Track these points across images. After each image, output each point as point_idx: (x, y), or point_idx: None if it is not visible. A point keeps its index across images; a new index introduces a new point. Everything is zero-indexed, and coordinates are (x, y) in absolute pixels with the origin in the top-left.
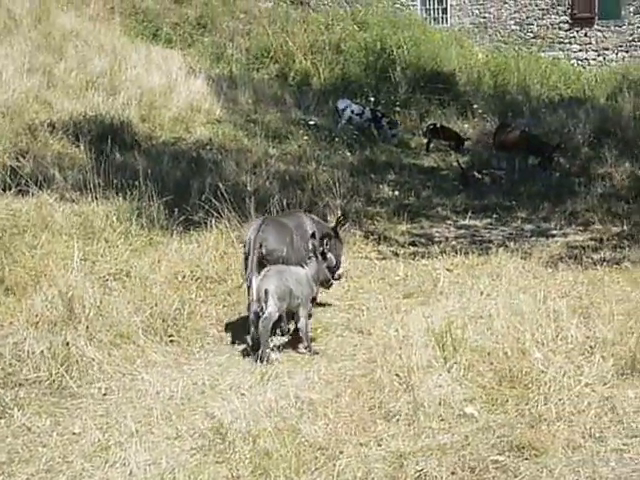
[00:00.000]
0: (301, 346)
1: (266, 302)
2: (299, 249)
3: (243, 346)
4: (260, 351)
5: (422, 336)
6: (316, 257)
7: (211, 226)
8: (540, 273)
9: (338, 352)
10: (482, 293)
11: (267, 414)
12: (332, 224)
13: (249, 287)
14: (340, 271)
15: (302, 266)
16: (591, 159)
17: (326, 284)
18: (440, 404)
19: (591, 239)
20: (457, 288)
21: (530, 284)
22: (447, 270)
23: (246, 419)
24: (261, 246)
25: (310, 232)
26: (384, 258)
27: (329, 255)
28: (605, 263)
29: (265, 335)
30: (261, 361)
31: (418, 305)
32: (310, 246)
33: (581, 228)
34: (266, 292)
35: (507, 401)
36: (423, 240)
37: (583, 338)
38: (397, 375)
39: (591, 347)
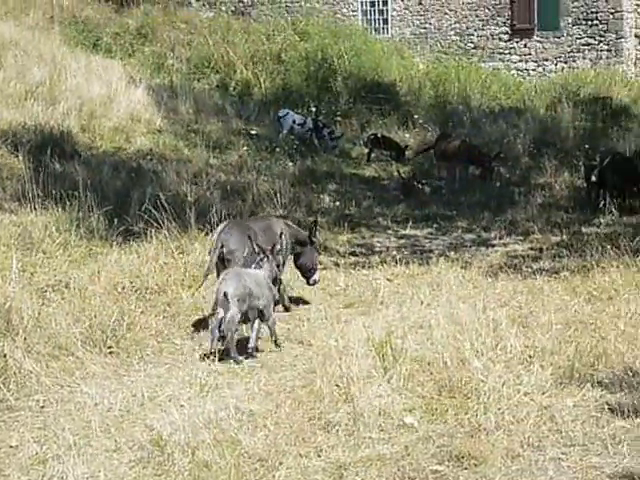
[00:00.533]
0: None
1: (227, 305)
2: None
3: (183, 357)
4: (231, 353)
5: (362, 346)
6: (267, 257)
7: (151, 237)
8: (480, 283)
9: (278, 363)
10: (422, 303)
11: (206, 426)
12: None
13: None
14: (316, 276)
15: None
16: (531, 169)
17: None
18: (380, 414)
19: (531, 249)
20: (397, 298)
21: (470, 294)
22: (388, 280)
23: (185, 431)
24: (222, 246)
25: (279, 235)
26: (325, 268)
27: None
28: (544, 272)
29: (231, 337)
30: (237, 363)
31: (358, 315)
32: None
33: (521, 238)
34: (225, 295)
35: (447, 411)
36: (364, 250)
37: (522, 347)
38: (337, 385)
39: (530, 356)
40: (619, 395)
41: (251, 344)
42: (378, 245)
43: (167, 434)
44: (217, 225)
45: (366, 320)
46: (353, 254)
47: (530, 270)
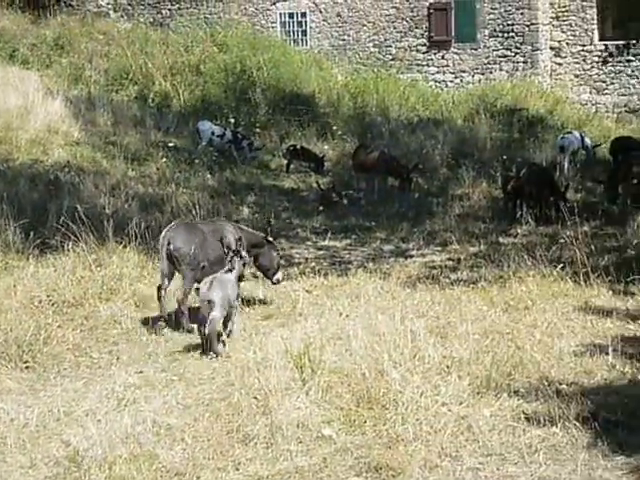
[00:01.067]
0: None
1: (211, 310)
2: (212, 251)
3: (101, 371)
4: (211, 348)
5: (281, 358)
6: (239, 257)
7: (68, 250)
8: (398, 293)
9: (197, 376)
10: (341, 314)
11: (123, 440)
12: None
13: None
14: (279, 275)
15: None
16: (449, 180)
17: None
18: (298, 426)
19: (449, 259)
20: (316, 309)
21: (389, 304)
22: (307, 291)
23: (102, 446)
24: (169, 243)
25: (229, 238)
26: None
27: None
28: (462, 283)
29: (213, 335)
30: (216, 356)
31: (277, 327)
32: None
33: (439, 248)
34: (210, 302)
35: (365, 422)
36: (283, 262)
37: (440, 358)
38: (255, 398)
39: (448, 367)
40: (535, 404)
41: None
42: (297, 256)
43: (83, 449)
44: (135, 238)
45: (285, 332)
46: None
47: (448, 280)
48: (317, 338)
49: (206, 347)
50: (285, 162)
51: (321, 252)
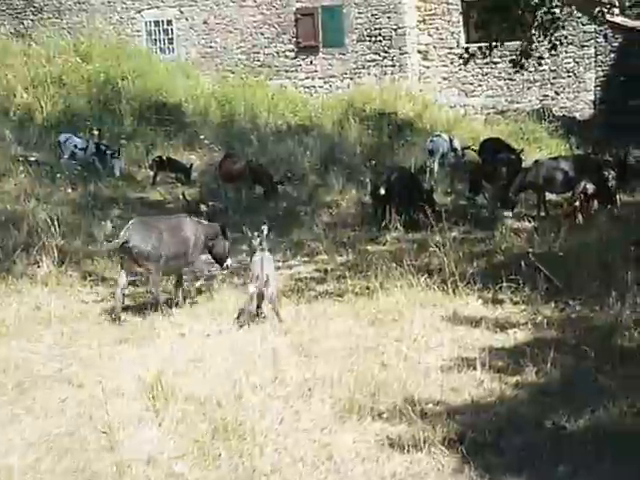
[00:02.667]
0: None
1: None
2: (171, 245)
3: None
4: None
5: (134, 386)
6: None
7: None
8: (264, 309)
9: (45, 408)
10: (203, 333)
11: None
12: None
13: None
14: (228, 261)
15: None
16: (318, 187)
17: None
18: (148, 463)
19: (316, 270)
20: (177, 329)
21: (254, 321)
22: (168, 310)
23: None
24: (127, 241)
25: (188, 233)
26: (102, 300)
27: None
28: (329, 295)
29: (277, 306)
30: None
31: (135, 350)
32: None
33: (306, 259)
34: (267, 276)
35: (220, 455)
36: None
37: (302, 379)
38: (104, 432)
39: (310, 389)
40: (400, 427)
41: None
42: None
43: None
44: None
45: (142, 356)
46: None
47: (315, 293)
48: (175, 361)
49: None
50: (151, 174)
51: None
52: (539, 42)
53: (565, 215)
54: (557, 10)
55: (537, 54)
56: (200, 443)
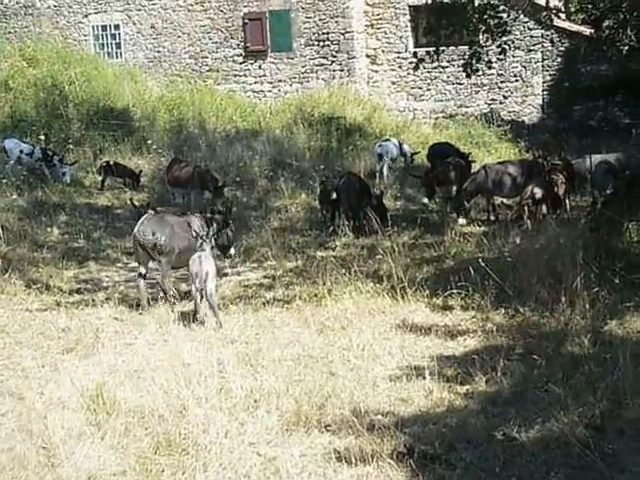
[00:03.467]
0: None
1: (206, 281)
2: (182, 238)
3: None
4: (215, 316)
5: (77, 398)
6: (204, 241)
7: None
8: (210, 318)
9: None
10: (148, 343)
11: None
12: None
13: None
14: (232, 251)
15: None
16: (268, 192)
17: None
18: None
19: (265, 277)
20: (122, 339)
21: (199, 331)
22: (114, 319)
23: None
24: (142, 235)
25: (196, 228)
26: (46, 309)
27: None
28: (277, 303)
29: (214, 303)
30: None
31: (79, 360)
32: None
33: (255, 265)
34: (207, 273)
35: (163, 471)
36: (90, 286)
37: (248, 390)
38: (43, 448)
39: (256, 400)
40: (347, 440)
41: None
42: (106, 280)
43: None
44: None
45: (86, 366)
46: (78, 291)
47: (263, 300)
48: (119, 372)
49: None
50: (99, 179)
51: (131, 274)
52: (487, 46)
53: (513, 219)
54: (504, 14)
55: (486, 58)
56: (142, 458)
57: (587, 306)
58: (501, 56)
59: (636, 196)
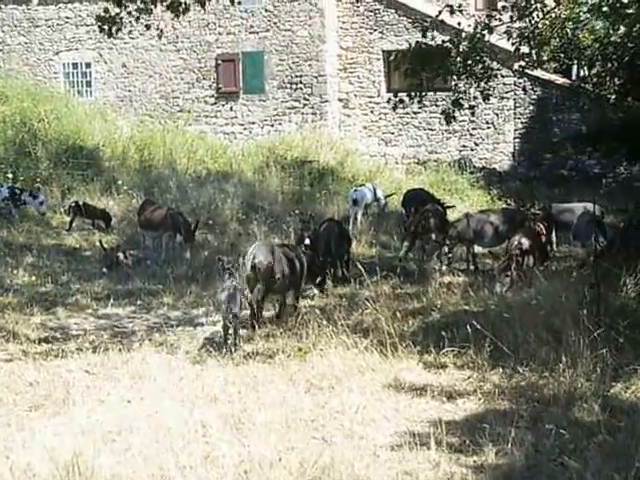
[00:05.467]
0: None
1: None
2: (285, 266)
3: None
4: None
5: (49, 466)
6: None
7: None
8: (188, 372)
9: None
10: (123, 400)
11: None
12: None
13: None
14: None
15: None
16: (240, 236)
17: None
18: None
19: (242, 326)
20: (94, 394)
21: (177, 386)
22: (85, 372)
23: None
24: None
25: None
26: (12, 359)
27: None
28: (258, 356)
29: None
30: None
31: (48, 419)
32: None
33: None
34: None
35: None
36: (58, 334)
37: (237, 459)
38: None
39: (246, 472)
40: None
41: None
42: (75, 327)
43: None
44: None
45: (56, 426)
46: (46, 340)
47: (243, 353)
48: (92, 435)
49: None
50: (67, 219)
51: (102, 321)
52: (468, 92)
53: (500, 270)
54: (488, 59)
55: (467, 104)
56: None
57: (591, 367)
58: (480, 102)
59: (633, 248)
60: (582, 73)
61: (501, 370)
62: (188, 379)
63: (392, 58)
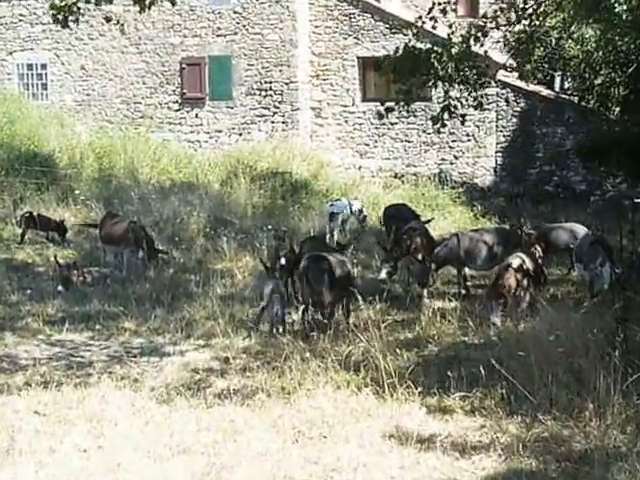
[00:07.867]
0: None
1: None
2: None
3: None
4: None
5: None
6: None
7: None
8: (153, 413)
9: None
10: (78, 449)
11: None
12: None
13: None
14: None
15: None
16: (208, 252)
17: None
18: None
19: (215, 358)
20: (45, 441)
21: (141, 432)
22: (34, 412)
23: None
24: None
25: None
26: None
27: None
28: (235, 395)
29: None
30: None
31: None
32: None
33: (201, 342)
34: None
35: None
36: (5, 364)
37: None
38: None
39: None
40: None
41: None
42: (24, 356)
43: None
44: None
45: None
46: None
47: (216, 391)
48: None
49: None
50: (19, 231)
51: (56, 349)
52: (459, 100)
53: (494, 297)
54: (483, 64)
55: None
56: None
57: (624, 417)
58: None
59: None
60: (566, 85)
61: (519, 418)
62: (154, 423)
63: (378, 63)
